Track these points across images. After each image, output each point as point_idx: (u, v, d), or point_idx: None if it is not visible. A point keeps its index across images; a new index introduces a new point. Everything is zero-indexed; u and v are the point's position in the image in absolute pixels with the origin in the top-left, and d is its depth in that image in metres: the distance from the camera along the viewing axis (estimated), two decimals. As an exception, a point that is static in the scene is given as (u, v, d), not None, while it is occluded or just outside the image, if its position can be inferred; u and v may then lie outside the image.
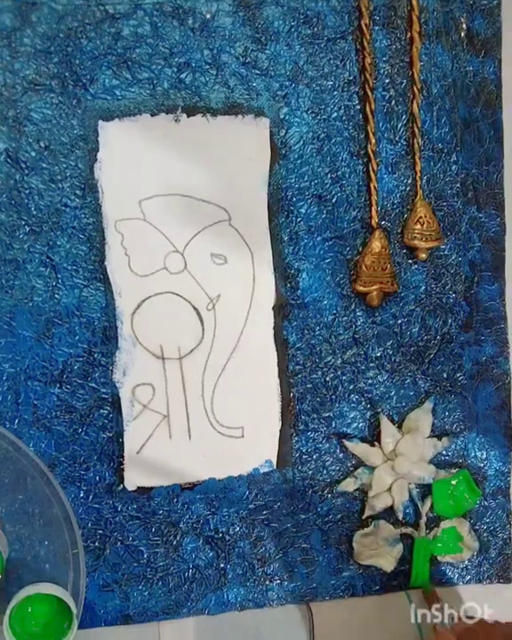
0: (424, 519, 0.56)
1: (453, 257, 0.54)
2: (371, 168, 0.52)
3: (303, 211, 0.52)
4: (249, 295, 0.52)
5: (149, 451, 0.51)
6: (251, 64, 0.50)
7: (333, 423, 0.54)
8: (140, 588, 0.52)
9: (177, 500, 0.52)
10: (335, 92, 0.51)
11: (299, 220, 0.52)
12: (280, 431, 0.53)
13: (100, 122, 0.48)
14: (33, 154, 0.48)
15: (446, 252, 0.54)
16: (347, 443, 0.54)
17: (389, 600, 0.56)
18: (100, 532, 0.51)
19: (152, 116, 0.49)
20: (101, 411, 0.50)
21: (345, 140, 0.52)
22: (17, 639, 0.46)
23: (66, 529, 0.49)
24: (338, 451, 0.54)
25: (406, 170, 0.53)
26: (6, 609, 0.46)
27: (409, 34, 0.51)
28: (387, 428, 0.54)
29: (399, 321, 0.54)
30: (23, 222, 0.48)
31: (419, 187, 0.53)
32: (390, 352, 0.54)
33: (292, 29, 0.50)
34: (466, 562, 0.57)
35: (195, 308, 0.51)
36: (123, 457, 0.51)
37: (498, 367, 0.56)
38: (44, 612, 0.47)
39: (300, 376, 0.53)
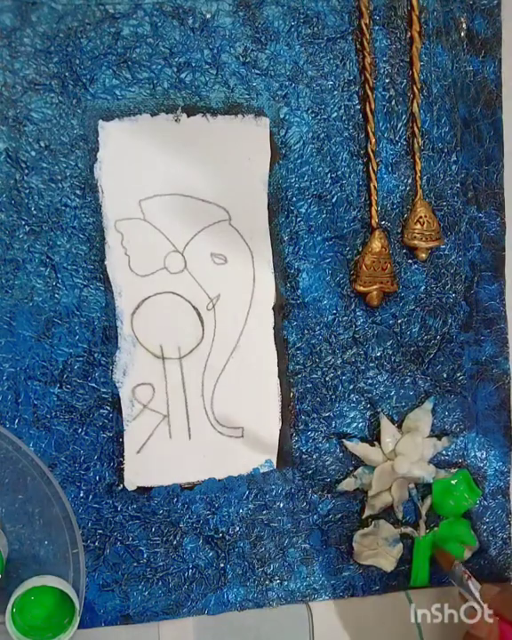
0: (424, 519, 0.56)
1: (453, 257, 0.54)
2: (371, 168, 0.52)
3: (303, 211, 0.52)
4: (249, 295, 0.52)
5: (149, 451, 0.51)
6: (251, 64, 0.50)
7: (333, 423, 0.54)
8: (140, 587, 0.52)
9: (177, 500, 0.52)
10: (335, 92, 0.51)
11: (299, 219, 0.52)
12: (280, 431, 0.53)
13: (100, 122, 0.48)
14: (33, 154, 0.48)
15: (446, 252, 0.54)
16: (347, 443, 0.54)
17: (389, 600, 0.56)
18: (100, 531, 0.51)
19: (152, 115, 0.49)
20: (101, 411, 0.50)
21: (345, 139, 0.52)
22: (18, 630, 0.47)
23: (66, 529, 0.49)
24: (338, 451, 0.54)
25: (406, 170, 0.53)
26: (8, 604, 0.47)
27: (409, 34, 0.51)
28: (387, 427, 0.54)
29: (399, 321, 0.54)
30: (23, 222, 0.48)
31: (419, 186, 0.53)
32: (390, 352, 0.54)
33: (292, 29, 0.50)
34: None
35: (195, 308, 0.51)
36: (123, 457, 0.51)
37: (498, 367, 0.56)
38: (46, 605, 0.48)
39: (300, 376, 0.53)
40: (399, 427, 0.55)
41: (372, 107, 0.51)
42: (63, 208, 0.49)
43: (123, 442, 0.51)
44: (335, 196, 0.52)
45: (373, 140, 0.51)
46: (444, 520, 0.56)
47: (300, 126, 0.51)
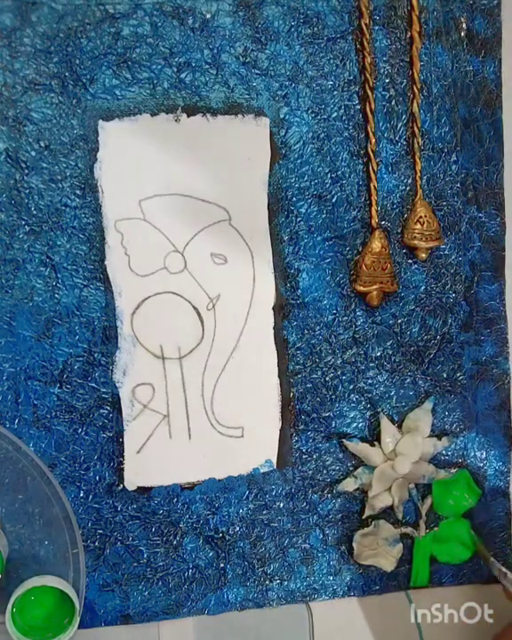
0: (424, 519, 0.56)
1: (453, 257, 0.54)
2: (371, 168, 0.52)
3: (303, 210, 0.52)
4: (249, 295, 0.52)
5: (149, 451, 0.51)
6: (251, 64, 0.50)
7: (333, 423, 0.54)
8: (140, 587, 0.52)
9: (177, 500, 0.52)
10: (335, 92, 0.51)
11: (299, 219, 0.52)
12: (280, 431, 0.53)
13: (100, 122, 0.48)
14: (33, 154, 0.48)
15: (446, 252, 0.54)
16: (347, 442, 0.54)
17: (389, 600, 0.56)
18: (100, 531, 0.51)
19: (152, 115, 0.49)
20: (101, 410, 0.50)
21: (345, 139, 0.52)
22: (18, 630, 0.47)
23: (66, 529, 0.49)
24: (338, 451, 0.54)
25: (406, 170, 0.53)
26: (8, 604, 0.47)
27: (409, 34, 0.51)
28: (387, 427, 0.54)
29: (399, 321, 0.54)
30: (23, 222, 0.48)
31: (419, 186, 0.53)
32: (390, 352, 0.54)
33: (292, 29, 0.50)
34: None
35: (195, 308, 0.51)
36: (123, 457, 0.51)
37: (498, 367, 0.56)
38: (46, 605, 0.48)
39: (299, 376, 0.53)
40: (399, 427, 0.55)
41: (372, 107, 0.51)
42: (63, 208, 0.49)
43: (123, 442, 0.51)
44: (335, 196, 0.52)
45: (373, 140, 0.51)
46: (444, 520, 0.56)
47: (300, 126, 0.51)
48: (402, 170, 0.53)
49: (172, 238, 0.50)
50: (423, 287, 0.54)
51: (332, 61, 0.51)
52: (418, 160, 0.52)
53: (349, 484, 0.54)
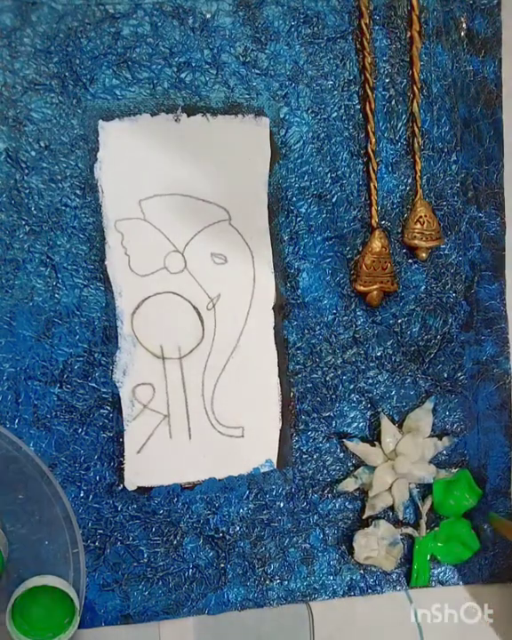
0: (424, 519, 0.56)
1: (453, 256, 0.54)
2: (371, 168, 0.52)
3: (303, 210, 0.52)
4: (249, 295, 0.52)
5: (149, 451, 0.51)
6: (251, 64, 0.50)
7: (333, 423, 0.54)
8: (140, 587, 0.52)
9: (177, 500, 0.52)
10: (335, 92, 0.51)
11: (299, 219, 0.52)
12: (280, 431, 0.53)
13: (100, 122, 0.48)
14: (33, 154, 0.48)
15: (446, 252, 0.54)
16: (347, 442, 0.54)
17: (389, 600, 0.56)
18: (100, 531, 0.51)
19: (152, 115, 0.49)
20: (101, 410, 0.50)
21: (345, 139, 0.52)
22: (18, 630, 0.47)
23: (66, 529, 0.49)
24: (338, 450, 0.54)
25: (406, 169, 0.53)
26: (8, 604, 0.47)
27: (409, 33, 0.51)
28: (387, 427, 0.54)
29: (399, 320, 0.54)
30: (23, 222, 0.48)
31: (419, 186, 0.53)
32: (390, 352, 0.54)
33: (292, 29, 0.50)
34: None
35: (195, 308, 0.51)
36: (123, 457, 0.51)
37: (498, 367, 0.56)
38: (46, 605, 0.48)
39: (300, 376, 0.53)
40: (400, 426, 0.55)
41: (372, 107, 0.51)
42: (63, 208, 0.49)
43: (123, 442, 0.51)
44: (335, 196, 0.52)
45: (373, 140, 0.51)
46: (445, 520, 0.56)
47: (300, 126, 0.51)
48: (402, 170, 0.53)
49: (172, 238, 0.50)
50: (423, 287, 0.54)
51: (332, 61, 0.51)
52: (418, 160, 0.52)
53: (349, 484, 0.54)
